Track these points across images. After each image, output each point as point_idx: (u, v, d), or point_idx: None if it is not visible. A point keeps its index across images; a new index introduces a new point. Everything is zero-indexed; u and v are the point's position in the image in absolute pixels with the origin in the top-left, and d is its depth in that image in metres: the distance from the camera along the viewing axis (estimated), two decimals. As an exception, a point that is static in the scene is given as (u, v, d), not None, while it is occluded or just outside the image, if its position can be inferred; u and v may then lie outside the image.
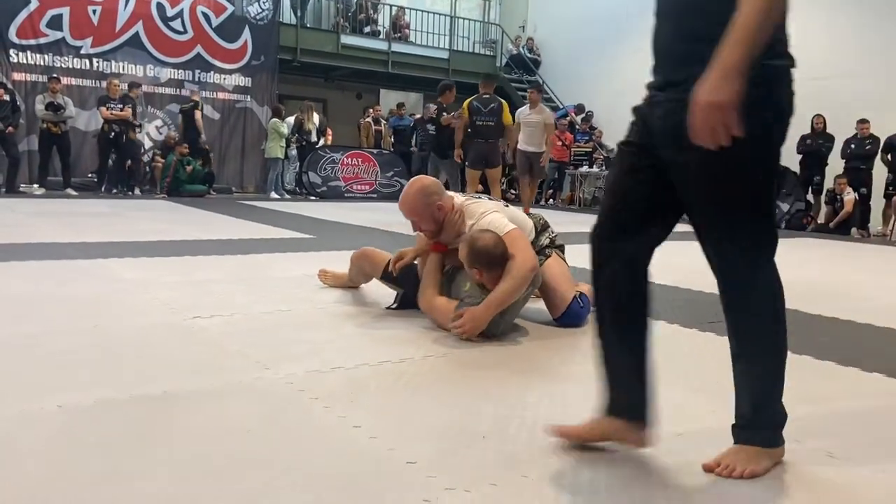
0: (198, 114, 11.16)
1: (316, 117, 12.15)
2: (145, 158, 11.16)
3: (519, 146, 8.53)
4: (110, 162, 10.46)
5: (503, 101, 8.00)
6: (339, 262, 3.56)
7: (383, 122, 13.44)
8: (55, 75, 10.34)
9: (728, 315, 1.59)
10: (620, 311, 1.63)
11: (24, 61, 10.88)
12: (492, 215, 2.84)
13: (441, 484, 1.49)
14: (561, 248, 3.19)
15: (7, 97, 9.71)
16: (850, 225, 9.52)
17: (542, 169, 8.83)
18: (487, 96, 7.92)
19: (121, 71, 11.50)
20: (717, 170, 1.45)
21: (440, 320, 2.83)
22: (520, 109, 8.78)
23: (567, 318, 2.98)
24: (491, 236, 2.70)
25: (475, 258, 2.69)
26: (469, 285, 2.80)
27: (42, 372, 2.12)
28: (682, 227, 1.60)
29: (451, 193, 2.98)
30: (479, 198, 3.11)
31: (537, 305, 3.15)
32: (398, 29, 15.07)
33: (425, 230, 2.91)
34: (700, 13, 1.44)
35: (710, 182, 1.47)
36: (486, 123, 7.80)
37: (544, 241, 3.12)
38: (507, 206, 3.09)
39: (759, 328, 1.57)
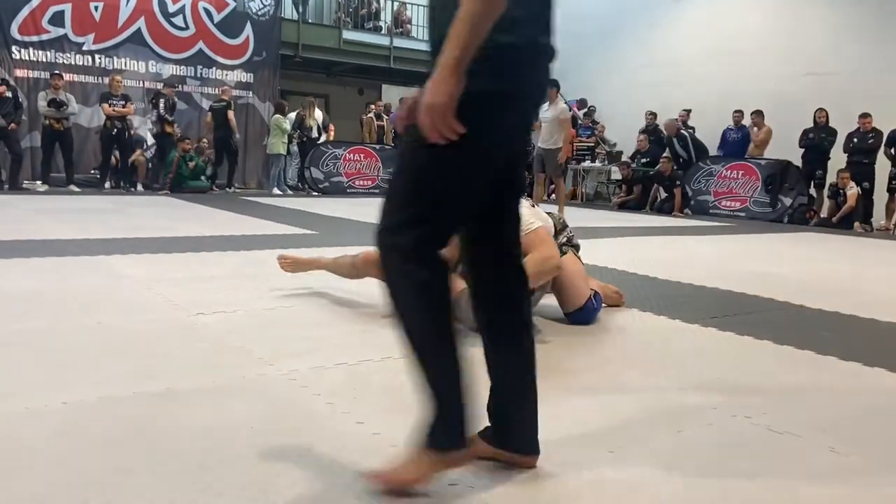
0: (230, 113, 11.15)
1: (318, 113, 12.14)
2: (148, 154, 11.16)
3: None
4: (113, 158, 10.48)
5: None
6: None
7: (385, 117, 13.43)
8: (57, 72, 10.35)
9: None
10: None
11: (27, 58, 10.88)
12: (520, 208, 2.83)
13: (445, 479, 1.50)
14: (577, 248, 3.22)
15: (9, 94, 9.71)
16: (852, 219, 9.50)
17: (557, 166, 8.60)
18: None
19: (123, 67, 11.51)
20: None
21: None
22: None
23: (580, 315, 3.02)
24: None
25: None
26: None
27: (46, 369, 2.13)
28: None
29: None
30: None
31: (545, 301, 3.15)
32: (400, 24, 15.04)
33: None
34: (443, 10, 1.39)
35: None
36: None
37: (562, 239, 3.16)
38: (533, 205, 3.06)
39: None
